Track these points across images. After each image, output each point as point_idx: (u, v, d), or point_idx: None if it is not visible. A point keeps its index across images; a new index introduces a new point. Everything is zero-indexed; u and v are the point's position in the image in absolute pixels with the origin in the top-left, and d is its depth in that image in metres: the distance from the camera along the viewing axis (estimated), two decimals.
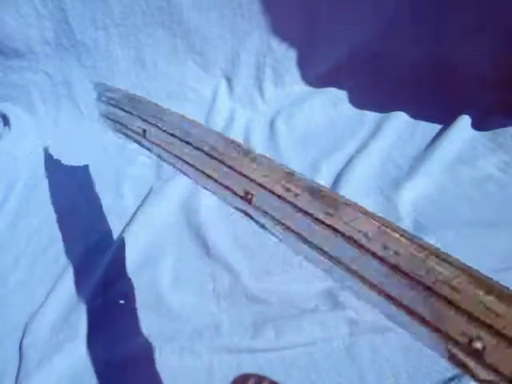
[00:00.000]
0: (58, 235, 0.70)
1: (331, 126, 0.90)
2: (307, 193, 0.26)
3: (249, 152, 0.30)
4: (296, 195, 0.27)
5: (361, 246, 0.24)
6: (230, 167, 0.30)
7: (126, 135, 0.46)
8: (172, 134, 0.36)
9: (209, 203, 0.72)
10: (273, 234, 0.31)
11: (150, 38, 0.94)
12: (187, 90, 0.99)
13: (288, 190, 0.27)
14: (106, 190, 0.79)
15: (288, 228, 0.28)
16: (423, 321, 0.22)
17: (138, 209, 0.73)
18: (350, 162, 0.79)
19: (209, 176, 0.32)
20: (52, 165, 0.84)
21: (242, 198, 0.30)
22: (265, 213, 0.29)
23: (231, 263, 0.61)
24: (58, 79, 0.95)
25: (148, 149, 0.40)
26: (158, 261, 0.65)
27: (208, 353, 0.52)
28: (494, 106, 0.84)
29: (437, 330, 0.21)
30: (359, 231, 0.24)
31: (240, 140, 0.89)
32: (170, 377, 0.51)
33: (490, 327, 0.19)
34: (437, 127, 0.84)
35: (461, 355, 0.20)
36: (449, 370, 0.49)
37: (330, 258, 0.26)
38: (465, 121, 0.82)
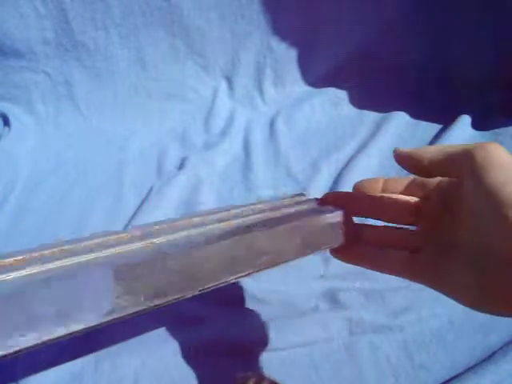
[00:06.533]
0: (58, 235, 0.70)
1: (331, 126, 0.90)
2: None
3: None
4: None
5: None
6: None
7: None
8: None
9: (209, 203, 0.72)
10: None
11: (150, 37, 0.94)
12: (187, 90, 0.99)
13: None
14: (106, 190, 0.79)
15: None
16: None
17: (137, 209, 0.73)
18: (349, 162, 0.79)
19: None
20: None
21: None
22: None
23: None
24: (58, 79, 0.95)
25: None
26: None
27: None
28: (493, 106, 0.84)
29: None
30: None
31: (240, 140, 0.89)
32: (170, 377, 0.51)
33: None
34: (437, 127, 0.84)
35: None
36: (449, 370, 0.49)
37: None
38: (465, 121, 0.81)
